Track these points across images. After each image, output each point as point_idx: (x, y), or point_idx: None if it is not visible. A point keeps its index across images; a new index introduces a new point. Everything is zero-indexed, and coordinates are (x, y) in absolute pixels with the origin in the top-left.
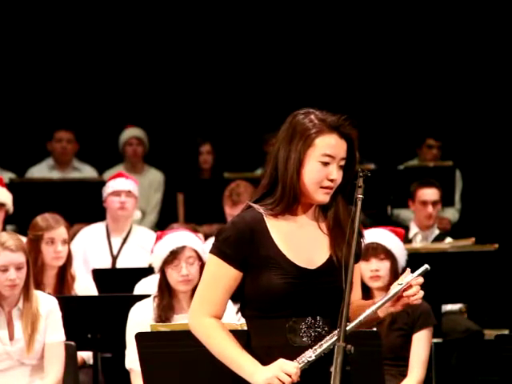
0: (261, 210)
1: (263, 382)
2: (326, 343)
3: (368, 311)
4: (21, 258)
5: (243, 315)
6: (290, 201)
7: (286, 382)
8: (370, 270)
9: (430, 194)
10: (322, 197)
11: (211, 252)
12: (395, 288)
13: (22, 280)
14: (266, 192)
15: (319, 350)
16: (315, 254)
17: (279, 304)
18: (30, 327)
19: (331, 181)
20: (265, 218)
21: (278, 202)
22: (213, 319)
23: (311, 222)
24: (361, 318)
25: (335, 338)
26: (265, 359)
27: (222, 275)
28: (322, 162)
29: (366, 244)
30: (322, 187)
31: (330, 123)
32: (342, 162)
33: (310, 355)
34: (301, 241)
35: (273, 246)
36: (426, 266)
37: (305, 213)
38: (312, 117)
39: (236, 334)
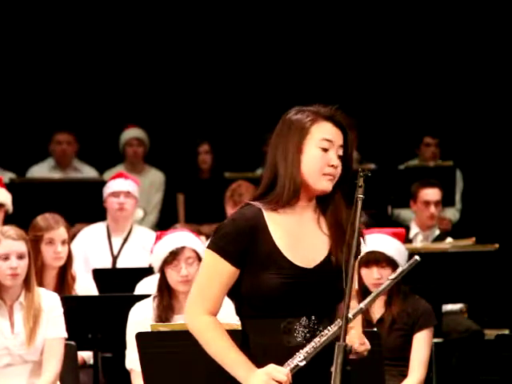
0: (260, 205)
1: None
2: (316, 345)
3: (358, 308)
4: (22, 247)
5: (238, 314)
6: (291, 194)
7: None
8: (372, 277)
9: (432, 194)
10: (326, 184)
11: (209, 247)
12: (386, 283)
13: (24, 271)
14: (264, 192)
15: (310, 353)
16: (313, 252)
17: (275, 304)
18: (31, 320)
19: (332, 166)
20: (264, 214)
21: (278, 197)
22: (209, 317)
23: (311, 219)
24: (350, 315)
25: (324, 338)
26: (260, 359)
27: (218, 271)
28: (322, 147)
29: (368, 252)
30: (324, 174)
31: (324, 113)
32: (340, 151)
33: (300, 359)
34: (299, 238)
35: (271, 243)
36: (416, 257)
37: (305, 210)
38: (304, 110)
39: (231, 333)
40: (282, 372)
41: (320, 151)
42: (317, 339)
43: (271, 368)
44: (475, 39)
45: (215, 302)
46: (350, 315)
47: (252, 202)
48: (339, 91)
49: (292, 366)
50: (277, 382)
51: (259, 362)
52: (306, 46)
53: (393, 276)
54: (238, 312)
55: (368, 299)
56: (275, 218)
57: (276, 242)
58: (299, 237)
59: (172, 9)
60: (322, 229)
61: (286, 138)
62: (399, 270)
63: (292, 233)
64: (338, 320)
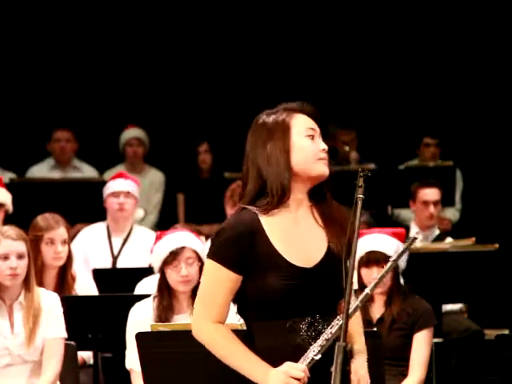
0: (255, 210)
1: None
2: (328, 336)
3: (365, 293)
4: (22, 246)
5: (243, 317)
6: (281, 191)
7: None
8: (371, 277)
9: (431, 194)
10: (323, 167)
11: (209, 257)
12: (388, 265)
13: (24, 271)
14: (253, 199)
15: (324, 345)
16: (312, 250)
17: (278, 305)
18: (31, 321)
19: (323, 151)
20: (260, 218)
21: (270, 200)
22: (217, 324)
23: (307, 215)
24: (357, 302)
25: (336, 328)
26: (267, 360)
27: (222, 280)
28: (309, 135)
29: (368, 252)
30: (318, 159)
31: (293, 108)
32: (321, 138)
33: (315, 353)
34: (297, 238)
35: (269, 246)
36: (415, 235)
37: (300, 206)
38: (274, 111)
39: (236, 334)
40: (299, 368)
41: (308, 139)
42: (328, 330)
43: (288, 366)
44: (475, 39)
45: (221, 311)
46: (358, 301)
47: (247, 207)
48: (339, 92)
49: (308, 360)
50: (295, 379)
51: (267, 363)
52: (305, 47)
53: (394, 257)
54: (243, 315)
55: (374, 283)
56: (271, 222)
57: (274, 245)
58: (297, 236)
59: (172, 9)
60: (319, 223)
61: (267, 140)
62: (400, 248)
63: (289, 233)
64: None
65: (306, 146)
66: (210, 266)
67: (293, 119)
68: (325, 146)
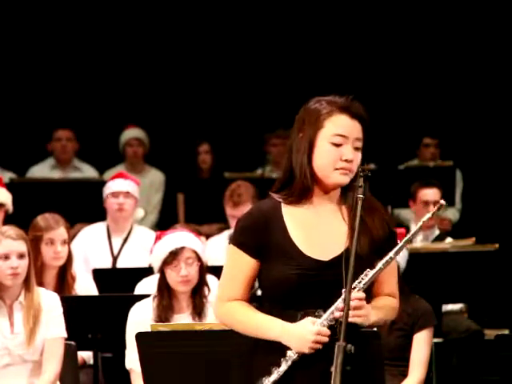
0: (280, 198)
1: (307, 350)
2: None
3: (384, 260)
4: (22, 246)
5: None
6: (302, 187)
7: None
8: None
9: (431, 194)
10: (340, 177)
11: (230, 242)
12: (412, 230)
13: (24, 270)
14: (283, 183)
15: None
16: (331, 244)
17: (291, 295)
18: (31, 320)
19: (346, 161)
20: (282, 207)
21: (293, 190)
22: (233, 301)
23: (332, 211)
24: (373, 272)
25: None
26: (276, 348)
27: (239, 264)
28: (333, 142)
29: None
30: (336, 169)
31: (340, 104)
32: (359, 144)
33: (338, 315)
34: (317, 230)
35: (286, 235)
36: (442, 201)
37: (324, 202)
38: (322, 101)
39: None
40: (326, 334)
41: (331, 146)
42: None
43: (314, 333)
44: (475, 39)
45: (241, 292)
46: (374, 272)
47: (273, 194)
48: (339, 92)
49: (328, 320)
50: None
51: (277, 352)
52: (305, 48)
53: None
54: (259, 304)
55: (395, 249)
56: (292, 212)
57: (290, 235)
58: (318, 230)
59: (172, 9)
60: (346, 219)
61: (301, 129)
62: (427, 215)
63: (309, 226)
64: (365, 272)
65: (326, 153)
66: (230, 250)
67: (329, 119)
68: (349, 156)
